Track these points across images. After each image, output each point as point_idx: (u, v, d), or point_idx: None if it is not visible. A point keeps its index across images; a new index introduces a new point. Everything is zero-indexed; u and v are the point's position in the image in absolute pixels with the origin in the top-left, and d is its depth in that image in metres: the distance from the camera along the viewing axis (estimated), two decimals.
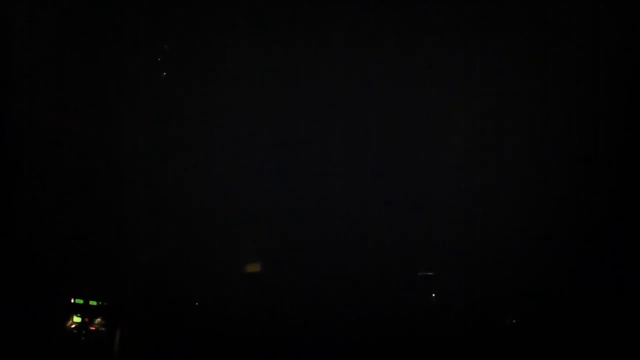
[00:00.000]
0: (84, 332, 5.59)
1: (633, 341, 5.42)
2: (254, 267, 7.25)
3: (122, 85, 6.89)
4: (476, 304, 6.04)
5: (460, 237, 6.36)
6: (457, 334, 5.69)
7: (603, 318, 5.60)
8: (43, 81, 6.52)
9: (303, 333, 6.17)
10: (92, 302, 5.66)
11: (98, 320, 5.66)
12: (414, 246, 6.64)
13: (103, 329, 5.68)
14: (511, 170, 6.47)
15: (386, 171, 7.26)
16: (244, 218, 6.86)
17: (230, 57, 6.95)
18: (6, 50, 6.14)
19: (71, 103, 6.69)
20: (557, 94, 6.38)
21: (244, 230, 6.85)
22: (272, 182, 7.16)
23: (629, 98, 6.00)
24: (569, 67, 6.29)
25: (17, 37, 6.18)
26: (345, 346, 5.82)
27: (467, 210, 6.41)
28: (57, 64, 6.56)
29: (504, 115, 6.67)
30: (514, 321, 5.88)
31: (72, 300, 5.56)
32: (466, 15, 6.60)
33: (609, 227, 5.86)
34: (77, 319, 5.56)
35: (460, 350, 5.61)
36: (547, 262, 5.99)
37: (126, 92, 6.98)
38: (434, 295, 5.96)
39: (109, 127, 6.94)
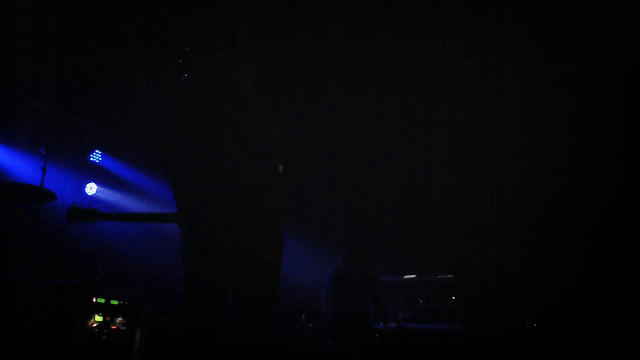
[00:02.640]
0: (105, 331, 5.60)
1: None
2: None
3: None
4: (497, 308, 6.04)
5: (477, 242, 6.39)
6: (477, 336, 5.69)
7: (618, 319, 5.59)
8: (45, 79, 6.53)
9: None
10: (114, 302, 5.68)
11: (119, 319, 5.69)
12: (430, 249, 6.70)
13: (124, 328, 5.70)
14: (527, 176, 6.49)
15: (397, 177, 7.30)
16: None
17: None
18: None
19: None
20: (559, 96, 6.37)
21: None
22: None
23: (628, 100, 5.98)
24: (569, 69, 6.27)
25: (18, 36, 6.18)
26: None
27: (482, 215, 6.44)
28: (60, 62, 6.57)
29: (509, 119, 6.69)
30: (534, 324, 5.89)
31: (94, 300, 5.58)
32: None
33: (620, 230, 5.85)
34: (98, 318, 5.58)
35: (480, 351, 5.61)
36: (564, 267, 5.99)
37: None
38: (453, 297, 5.98)
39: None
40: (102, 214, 3.57)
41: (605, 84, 6.07)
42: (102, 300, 5.65)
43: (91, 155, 7.60)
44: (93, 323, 5.56)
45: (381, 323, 5.72)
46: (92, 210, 3.57)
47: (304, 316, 6.84)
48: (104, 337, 5.59)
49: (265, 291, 2.98)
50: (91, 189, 7.50)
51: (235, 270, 2.94)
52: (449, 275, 6.05)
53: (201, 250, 2.92)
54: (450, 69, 6.87)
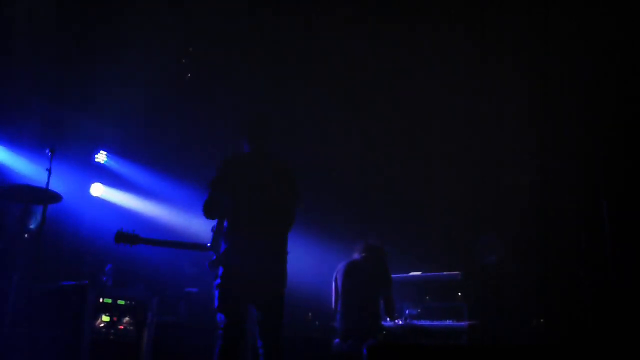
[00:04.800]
0: (112, 330, 5.62)
1: None
2: None
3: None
4: (504, 305, 6.04)
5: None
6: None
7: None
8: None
9: None
10: (121, 302, 5.70)
11: (126, 319, 5.71)
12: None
13: (131, 327, 5.72)
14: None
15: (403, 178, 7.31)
16: None
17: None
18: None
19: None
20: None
21: None
22: None
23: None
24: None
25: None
26: None
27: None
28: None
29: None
30: (541, 320, 5.88)
31: (101, 300, 5.59)
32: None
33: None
34: (105, 318, 5.60)
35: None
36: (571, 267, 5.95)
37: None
38: (460, 294, 5.96)
39: None
40: (142, 238, 4.16)
41: (608, 79, 6.05)
42: (109, 301, 5.68)
43: (96, 156, 7.61)
44: (100, 323, 5.58)
45: (388, 320, 5.69)
46: (134, 235, 4.16)
47: (310, 314, 6.84)
48: (111, 337, 5.61)
49: (278, 312, 4.11)
50: (97, 189, 7.52)
51: (260, 298, 4.08)
52: (455, 272, 6.01)
53: (240, 284, 4.02)
54: (456, 63, 6.84)
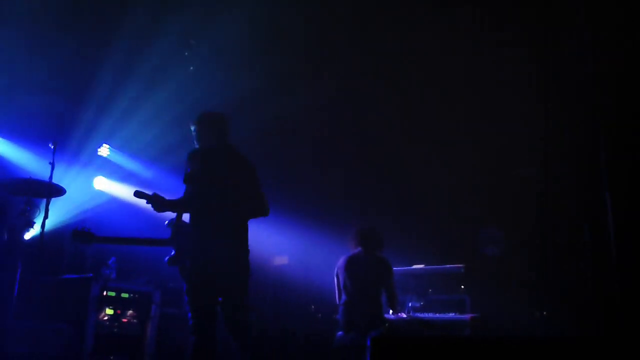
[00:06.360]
0: (116, 323, 5.64)
1: None
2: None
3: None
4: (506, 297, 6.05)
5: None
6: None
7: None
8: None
9: None
10: (124, 295, 5.72)
11: (130, 312, 5.73)
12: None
13: (135, 320, 5.74)
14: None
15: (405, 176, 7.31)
16: None
17: None
18: None
19: None
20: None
21: None
22: None
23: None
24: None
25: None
26: None
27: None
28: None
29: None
30: (544, 313, 5.88)
31: (105, 293, 5.61)
32: None
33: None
34: (109, 311, 5.62)
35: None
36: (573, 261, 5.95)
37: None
38: (462, 287, 5.98)
39: None
40: (97, 237, 4.14)
41: (613, 68, 6.01)
42: (113, 294, 5.70)
43: (99, 149, 7.61)
44: (104, 316, 5.60)
45: (391, 312, 5.70)
46: (89, 234, 4.12)
47: (313, 307, 6.85)
48: (115, 330, 5.63)
49: (238, 297, 4.17)
50: (100, 183, 7.53)
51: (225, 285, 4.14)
52: (458, 265, 6.02)
53: (212, 274, 4.09)
54: (459, 56, 6.82)
